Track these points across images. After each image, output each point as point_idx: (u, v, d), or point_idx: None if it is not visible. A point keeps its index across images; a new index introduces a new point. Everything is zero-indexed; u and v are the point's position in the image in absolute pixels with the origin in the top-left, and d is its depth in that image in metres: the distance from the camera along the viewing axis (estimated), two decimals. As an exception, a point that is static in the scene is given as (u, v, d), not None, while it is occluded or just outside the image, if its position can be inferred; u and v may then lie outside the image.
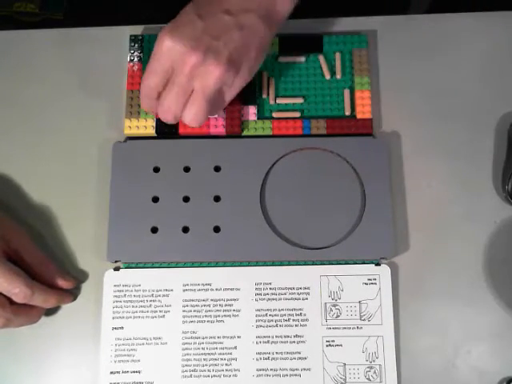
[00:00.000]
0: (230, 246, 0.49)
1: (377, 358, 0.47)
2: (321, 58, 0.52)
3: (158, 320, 0.48)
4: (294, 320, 0.48)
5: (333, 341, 0.47)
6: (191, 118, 0.45)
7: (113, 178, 0.50)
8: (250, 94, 0.52)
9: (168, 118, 0.46)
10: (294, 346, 0.47)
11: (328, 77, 0.52)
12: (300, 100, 0.51)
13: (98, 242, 0.50)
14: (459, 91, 0.53)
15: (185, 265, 0.49)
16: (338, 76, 0.52)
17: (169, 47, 0.43)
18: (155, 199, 0.50)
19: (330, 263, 0.49)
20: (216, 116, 0.51)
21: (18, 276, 0.45)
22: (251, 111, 0.52)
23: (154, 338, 0.48)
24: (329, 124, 0.51)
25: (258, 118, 0.52)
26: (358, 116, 0.51)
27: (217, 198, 0.50)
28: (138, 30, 0.55)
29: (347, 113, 0.51)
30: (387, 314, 0.48)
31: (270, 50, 0.53)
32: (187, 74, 0.43)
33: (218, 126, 0.51)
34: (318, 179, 0.50)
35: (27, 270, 0.46)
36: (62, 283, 0.48)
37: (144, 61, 0.53)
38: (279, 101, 0.51)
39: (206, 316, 0.48)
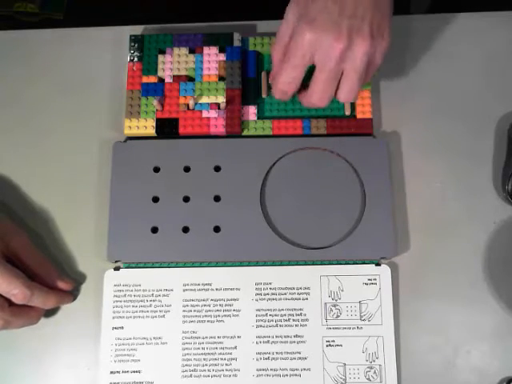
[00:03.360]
0: (230, 246, 0.49)
1: (377, 358, 0.47)
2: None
3: (158, 320, 0.48)
4: (294, 320, 0.48)
5: (333, 341, 0.47)
6: (346, 96, 0.46)
7: (113, 178, 0.50)
8: (250, 93, 0.52)
9: (320, 104, 0.47)
10: (294, 346, 0.47)
11: (346, 112, 0.52)
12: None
13: (98, 242, 0.50)
14: (459, 91, 0.53)
15: (185, 265, 0.49)
16: (347, 112, 0.52)
17: (311, 41, 0.43)
18: (155, 199, 0.50)
19: (330, 263, 0.49)
20: (216, 116, 0.51)
21: (17, 277, 0.44)
22: (251, 111, 0.52)
23: (154, 338, 0.48)
24: (329, 124, 0.51)
25: (257, 118, 0.52)
26: (358, 116, 0.51)
27: (217, 198, 0.50)
28: (138, 30, 0.55)
29: (347, 113, 0.51)
30: (387, 314, 0.48)
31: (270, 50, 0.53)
32: (336, 60, 0.43)
33: (218, 126, 0.51)
34: (318, 179, 0.50)
35: (26, 272, 0.46)
36: (61, 285, 0.48)
37: (144, 61, 0.53)
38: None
39: (206, 316, 0.48)
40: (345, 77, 0.45)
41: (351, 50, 0.43)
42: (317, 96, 0.46)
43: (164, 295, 0.48)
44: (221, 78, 0.52)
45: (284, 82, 0.46)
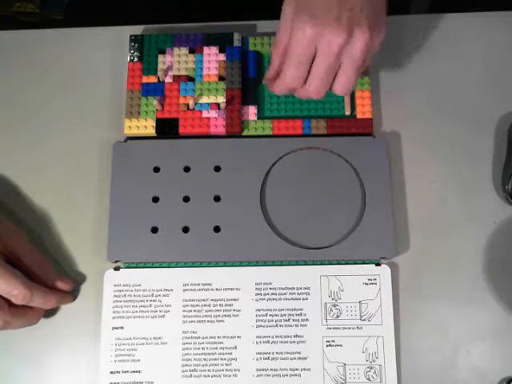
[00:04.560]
0: (230, 246, 0.49)
1: (377, 358, 0.47)
2: None
3: (158, 320, 0.48)
4: (294, 320, 0.48)
5: (333, 341, 0.47)
6: (342, 88, 0.46)
7: (113, 178, 0.50)
8: (250, 93, 0.52)
9: (317, 96, 0.46)
10: (294, 346, 0.47)
11: (346, 112, 0.52)
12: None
13: (98, 242, 0.50)
14: (459, 91, 0.53)
15: (185, 265, 0.49)
16: (348, 112, 0.52)
17: (313, 35, 0.43)
18: (155, 199, 0.50)
19: (330, 263, 0.49)
20: (216, 116, 0.51)
21: (17, 277, 0.44)
22: (251, 111, 0.52)
23: (154, 338, 0.48)
24: (329, 124, 0.51)
25: (258, 118, 0.52)
26: (358, 116, 0.51)
27: (217, 198, 0.50)
28: (138, 30, 0.55)
29: (347, 113, 0.51)
30: (387, 314, 0.48)
31: (270, 50, 0.53)
32: (336, 54, 0.43)
33: (218, 126, 0.51)
34: (318, 179, 0.50)
35: (26, 272, 0.46)
36: (61, 285, 0.48)
37: (144, 61, 0.53)
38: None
39: (206, 316, 0.48)
40: (342, 70, 0.45)
41: (351, 43, 0.43)
42: (314, 88, 0.46)
43: (164, 295, 0.48)
44: (221, 78, 0.52)
45: (291, 80, 0.46)
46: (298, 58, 0.44)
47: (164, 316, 0.48)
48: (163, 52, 0.53)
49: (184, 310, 0.48)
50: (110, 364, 0.47)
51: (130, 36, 0.54)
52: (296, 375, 0.47)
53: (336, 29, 0.42)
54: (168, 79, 0.52)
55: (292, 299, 0.48)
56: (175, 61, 0.53)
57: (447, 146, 0.52)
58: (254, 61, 0.53)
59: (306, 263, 0.49)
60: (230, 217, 0.49)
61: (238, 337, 0.48)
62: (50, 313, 0.49)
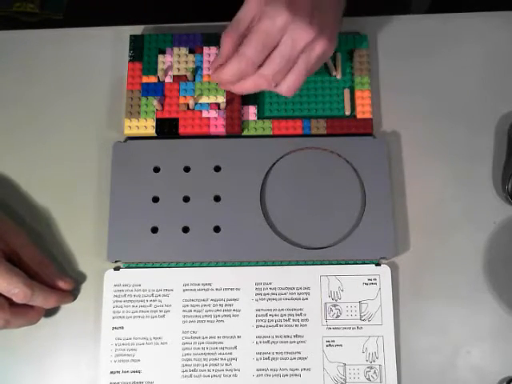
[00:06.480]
0: (230, 246, 0.49)
1: (377, 358, 0.47)
2: None
3: (158, 320, 0.48)
4: (294, 320, 0.48)
5: (333, 341, 0.47)
6: (288, 88, 0.45)
7: (113, 178, 0.50)
8: (250, 93, 0.52)
9: (263, 87, 0.45)
10: (294, 346, 0.47)
11: (333, 73, 0.52)
12: None
13: (98, 242, 0.50)
14: (459, 91, 0.53)
15: (185, 265, 0.49)
16: (338, 76, 0.52)
17: (285, 21, 0.42)
18: (155, 199, 0.50)
19: (330, 263, 0.49)
20: (216, 116, 0.51)
21: (18, 276, 0.44)
22: (251, 111, 0.52)
23: (154, 338, 0.48)
24: (329, 124, 0.51)
25: (258, 118, 0.52)
26: (358, 116, 0.51)
27: (217, 198, 0.50)
28: (138, 30, 0.55)
29: (347, 113, 0.51)
30: (387, 314, 0.48)
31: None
32: (299, 49, 0.42)
33: (218, 126, 0.51)
34: (317, 179, 0.50)
35: (26, 271, 0.46)
36: (61, 284, 0.48)
37: (144, 61, 0.53)
38: None
39: (206, 316, 0.48)
40: (294, 70, 0.44)
41: (313, 46, 0.43)
42: (259, 79, 0.44)
43: (164, 295, 0.48)
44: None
45: (248, 62, 0.43)
46: (264, 40, 0.42)
47: (164, 316, 0.48)
48: (163, 52, 0.53)
49: (184, 310, 0.48)
50: (110, 364, 0.47)
51: (130, 36, 0.54)
52: (296, 375, 0.47)
53: (308, 26, 0.42)
54: (168, 79, 0.52)
55: (292, 299, 0.48)
56: (175, 61, 0.53)
57: (447, 146, 0.52)
58: (254, 61, 0.53)
59: (306, 263, 0.49)
60: (230, 217, 0.49)
61: (238, 337, 0.48)
62: (50, 313, 0.49)
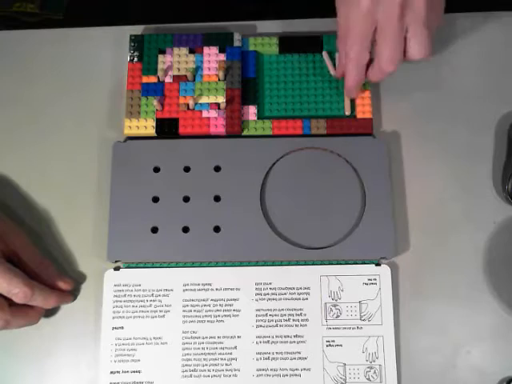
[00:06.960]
0: (229, 246, 0.49)
1: (377, 358, 0.47)
2: (325, 54, 0.52)
3: (158, 320, 0.48)
4: (294, 320, 0.48)
5: (333, 341, 0.47)
6: (418, 52, 0.44)
7: (113, 178, 0.50)
8: (250, 93, 0.52)
9: (391, 68, 0.44)
10: (294, 346, 0.47)
11: (333, 73, 0.52)
12: None
13: (98, 242, 0.50)
14: (459, 91, 0.53)
15: (185, 265, 0.49)
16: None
17: (368, 4, 0.42)
18: (155, 199, 0.50)
19: (330, 263, 0.49)
20: (216, 116, 0.51)
21: (18, 276, 0.44)
22: (251, 111, 0.52)
23: (154, 338, 0.48)
24: (329, 124, 0.51)
25: (257, 118, 0.52)
26: (358, 116, 0.51)
27: (217, 198, 0.50)
28: (138, 29, 0.55)
29: (347, 113, 0.51)
30: (387, 314, 0.48)
31: (270, 50, 0.53)
32: (399, 15, 0.42)
33: (218, 126, 0.51)
34: (317, 179, 0.50)
35: (26, 271, 0.46)
36: (61, 284, 0.48)
37: (144, 61, 0.53)
38: None
39: (206, 316, 0.48)
40: (411, 32, 0.43)
41: (411, 1, 0.42)
42: (386, 60, 0.44)
43: (164, 295, 0.48)
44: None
45: (357, 57, 0.44)
46: (360, 33, 0.43)
47: (164, 316, 0.48)
48: (163, 52, 0.53)
49: (184, 310, 0.48)
50: (110, 364, 0.47)
51: (130, 36, 0.54)
52: (296, 375, 0.47)
53: None
54: (168, 79, 0.52)
55: (292, 299, 0.48)
56: (175, 61, 0.53)
57: (447, 146, 0.52)
58: (254, 61, 0.53)
59: (306, 263, 0.49)
60: (230, 217, 0.49)
61: (238, 337, 0.48)
62: (50, 313, 0.49)
